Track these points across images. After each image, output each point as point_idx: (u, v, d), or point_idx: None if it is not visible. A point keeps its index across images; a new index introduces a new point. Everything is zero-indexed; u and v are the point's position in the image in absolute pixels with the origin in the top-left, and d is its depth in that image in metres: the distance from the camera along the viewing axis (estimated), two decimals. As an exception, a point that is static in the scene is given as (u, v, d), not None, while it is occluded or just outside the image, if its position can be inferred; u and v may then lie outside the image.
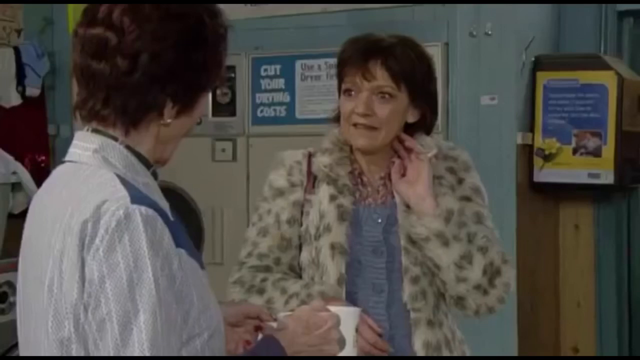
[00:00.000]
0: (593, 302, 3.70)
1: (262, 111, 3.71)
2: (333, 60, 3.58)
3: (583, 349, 3.71)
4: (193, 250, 1.39)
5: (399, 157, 1.99)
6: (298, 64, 3.65)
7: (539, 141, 3.53)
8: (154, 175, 1.44)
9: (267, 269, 1.99)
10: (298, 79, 3.65)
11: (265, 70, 3.70)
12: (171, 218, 1.37)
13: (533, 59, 3.52)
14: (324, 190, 1.98)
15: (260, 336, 1.59)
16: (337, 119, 2.05)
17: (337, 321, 1.51)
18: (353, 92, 1.98)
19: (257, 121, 3.71)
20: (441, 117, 3.47)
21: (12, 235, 3.49)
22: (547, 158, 3.53)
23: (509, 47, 3.44)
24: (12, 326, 3.16)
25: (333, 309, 1.55)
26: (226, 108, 3.72)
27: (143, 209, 1.30)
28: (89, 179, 1.36)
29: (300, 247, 1.99)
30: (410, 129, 2.00)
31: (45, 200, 1.42)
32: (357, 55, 1.97)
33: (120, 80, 1.35)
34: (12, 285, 3.15)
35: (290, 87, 3.66)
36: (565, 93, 3.47)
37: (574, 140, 3.47)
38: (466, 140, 3.47)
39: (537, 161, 3.54)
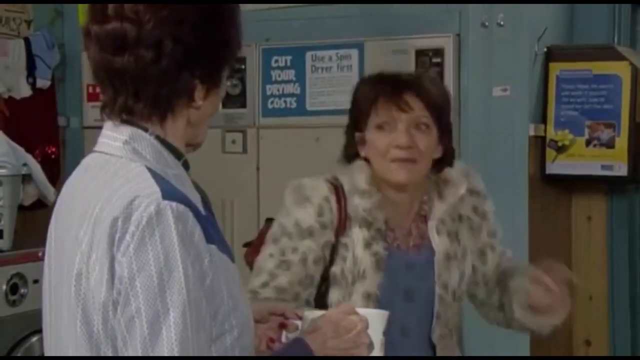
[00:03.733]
0: (605, 294, 3.67)
1: (272, 102, 3.69)
2: (344, 52, 3.65)
3: (595, 341, 3.69)
4: (224, 244, 1.37)
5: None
6: (308, 55, 3.62)
7: (551, 133, 3.50)
8: (186, 165, 1.40)
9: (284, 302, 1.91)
10: (308, 71, 3.63)
11: (276, 61, 3.68)
12: (202, 212, 1.34)
13: (545, 49, 3.49)
14: (357, 234, 1.93)
15: (284, 334, 1.58)
16: (351, 157, 2.03)
17: (366, 324, 1.49)
18: (387, 127, 1.94)
19: (267, 113, 3.69)
20: (453, 108, 3.44)
21: (23, 227, 3.48)
22: (560, 150, 3.50)
23: (521, 37, 3.41)
24: (23, 318, 3.18)
25: (362, 311, 1.54)
26: (236, 99, 3.70)
27: (174, 204, 1.28)
28: (120, 172, 1.33)
29: (325, 286, 1.94)
30: (437, 165, 2.00)
31: (73, 191, 1.40)
32: (390, 89, 1.95)
33: (147, 71, 1.33)
34: (22, 277, 3.14)
35: (300, 79, 3.64)
36: (578, 84, 3.44)
37: (587, 131, 3.44)
38: (478, 132, 3.45)
39: (550, 153, 3.51)
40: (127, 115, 1.36)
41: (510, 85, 3.42)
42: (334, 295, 1.93)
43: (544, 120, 3.52)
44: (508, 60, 3.42)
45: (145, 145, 1.35)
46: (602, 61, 3.39)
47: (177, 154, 1.38)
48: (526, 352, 3.37)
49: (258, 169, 3.68)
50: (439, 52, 3.45)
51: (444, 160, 2.00)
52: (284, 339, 1.62)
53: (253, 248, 2.41)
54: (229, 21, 1.39)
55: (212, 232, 1.33)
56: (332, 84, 3.59)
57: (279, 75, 3.67)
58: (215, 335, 1.31)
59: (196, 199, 1.37)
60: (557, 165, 3.49)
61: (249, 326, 1.38)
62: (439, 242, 1.98)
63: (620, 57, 3.38)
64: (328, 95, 3.60)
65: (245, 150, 3.70)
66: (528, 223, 3.36)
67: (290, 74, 3.65)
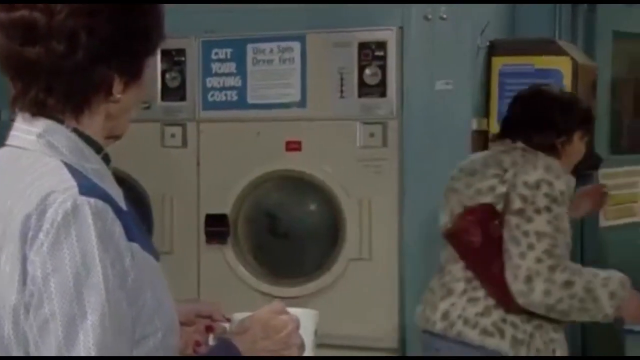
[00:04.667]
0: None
1: (212, 96, 3.61)
2: (285, 44, 3.59)
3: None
4: (147, 242, 1.30)
5: None
6: (249, 47, 3.56)
7: (494, 127, 3.49)
8: (106, 159, 1.34)
9: (566, 257, 2.50)
10: (249, 63, 3.56)
11: (216, 54, 3.60)
12: (124, 208, 1.27)
13: (488, 43, 3.48)
14: None
15: (211, 337, 1.52)
16: (546, 148, 2.62)
17: (298, 324, 1.44)
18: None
19: (207, 106, 3.61)
20: (395, 102, 3.43)
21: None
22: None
23: (464, 31, 3.39)
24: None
25: (293, 311, 1.48)
26: (175, 92, 3.62)
27: (92, 200, 1.21)
28: (33, 166, 1.26)
29: None
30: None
31: None
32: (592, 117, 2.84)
33: (60, 64, 1.26)
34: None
35: (241, 72, 3.57)
36: (520, 78, 3.43)
37: (529, 126, 3.43)
38: (421, 126, 3.42)
39: (493, 148, 3.49)
40: (39, 110, 1.29)
41: (453, 79, 3.40)
42: None
43: (486, 114, 3.51)
44: (451, 54, 3.40)
45: (61, 139, 1.28)
46: (543, 55, 3.39)
47: (97, 148, 1.32)
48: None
49: (198, 163, 3.61)
50: (381, 45, 3.41)
51: None
52: (211, 343, 1.56)
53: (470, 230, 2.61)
54: (149, 11, 1.33)
55: (134, 229, 1.26)
56: (274, 77, 3.53)
57: (220, 68, 3.60)
58: (138, 337, 1.25)
59: (117, 194, 1.30)
60: (500, 160, 3.48)
61: (173, 327, 1.32)
62: None
63: (561, 52, 3.38)
64: (269, 89, 3.54)
65: (185, 145, 3.62)
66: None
67: (231, 66, 3.58)
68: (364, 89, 3.42)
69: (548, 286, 2.40)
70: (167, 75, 3.62)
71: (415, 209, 3.42)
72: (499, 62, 3.47)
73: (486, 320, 2.50)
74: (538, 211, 2.47)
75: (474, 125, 3.43)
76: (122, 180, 3.59)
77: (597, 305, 2.42)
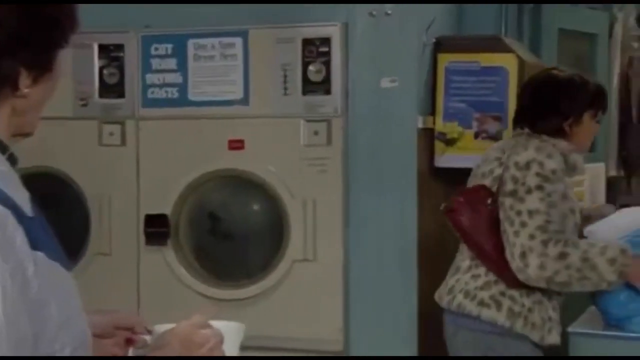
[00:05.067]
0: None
1: (152, 92, 3.50)
2: (227, 40, 3.50)
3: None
4: (55, 251, 1.20)
5: None
6: (190, 43, 3.46)
7: (440, 125, 3.45)
8: (12, 160, 1.24)
9: (563, 232, 2.55)
10: (191, 59, 3.46)
11: (156, 49, 3.49)
12: (29, 214, 1.17)
13: (434, 40, 3.43)
14: (568, 180, 2.66)
15: (131, 350, 1.43)
16: (552, 130, 2.70)
17: (221, 339, 1.35)
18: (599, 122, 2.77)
19: (147, 103, 3.50)
20: (340, 100, 3.36)
21: None
22: (449, 143, 3.45)
23: (409, 27, 3.33)
24: None
25: (216, 324, 1.40)
26: (114, 89, 3.50)
27: None
28: None
29: None
30: None
31: None
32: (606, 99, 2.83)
33: None
34: None
35: (182, 68, 3.47)
36: (466, 76, 3.39)
37: (475, 124, 3.40)
38: (366, 124, 3.36)
39: (439, 146, 3.45)
40: None
41: (398, 76, 3.34)
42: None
43: (432, 112, 3.46)
44: (396, 51, 3.34)
45: None
46: (489, 52, 3.35)
47: (1, 147, 1.22)
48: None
49: (138, 162, 3.49)
50: (326, 41, 3.34)
51: None
52: (130, 355, 1.46)
53: (459, 210, 2.75)
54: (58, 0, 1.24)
55: (41, 237, 1.17)
56: (216, 74, 3.44)
57: (160, 64, 3.49)
58: (44, 353, 1.15)
59: (23, 198, 1.20)
60: (446, 159, 3.44)
61: (85, 343, 1.22)
62: None
63: (507, 49, 3.35)
64: (211, 85, 3.45)
65: (124, 143, 3.50)
66: (417, 217, 3.30)
67: (172, 62, 3.48)
68: (308, 86, 3.34)
69: (542, 260, 2.48)
70: (105, 72, 3.50)
71: (360, 209, 3.36)
72: (444, 60, 3.43)
73: (485, 293, 2.62)
74: (529, 191, 2.56)
75: (420, 123, 3.38)
76: (59, 179, 3.53)
77: (597, 272, 2.47)
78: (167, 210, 3.43)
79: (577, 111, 2.71)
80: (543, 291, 2.59)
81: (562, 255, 2.48)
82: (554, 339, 2.58)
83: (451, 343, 2.77)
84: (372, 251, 3.36)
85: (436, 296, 2.84)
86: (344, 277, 3.36)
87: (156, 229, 3.41)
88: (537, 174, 2.55)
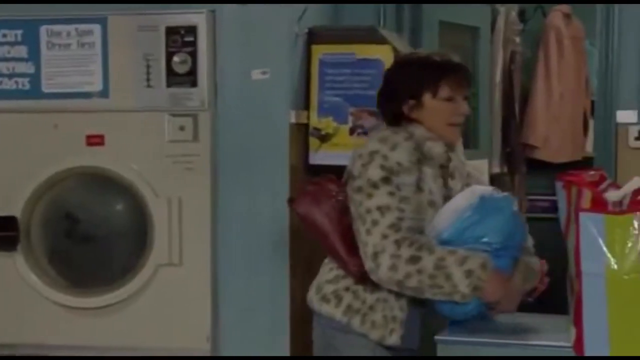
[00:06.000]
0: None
1: (1, 83, 3.23)
2: (84, 27, 3.23)
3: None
4: None
5: None
6: (43, 29, 3.20)
7: (314, 120, 3.27)
8: None
9: (419, 229, 2.37)
10: (44, 47, 3.20)
11: (4, 36, 3.22)
12: None
13: (307, 30, 3.25)
14: (427, 171, 2.42)
15: None
16: (398, 118, 2.44)
17: None
18: (453, 99, 2.44)
19: (-5, 95, 3.23)
20: (208, 93, 3.15)
21: None
22: (324, 139, 3.27)
23: (280, 16, 3.14)
24: None
25: None
26: (-43, 79, 3.21)
27: None
28: None
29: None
30: None
31: None
32: (456, 68, 2.46)
33: None
34: None
35: (34, 57, 3.21)
36: (341, 68, 3.22)
37: (350, 119, 3.23)
38: (236, 118, 3.17)
39: (313, 142, 3.28)
40: None
41: (270, 68, 3.15)
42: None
43: (307, 106, 3.29)
44: (268, 41, 3.15)
45: None
46: (364, 44, 3.19)
47: None
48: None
49: (-15, 159, 3.21)
50: (191, 30, 3.13)
51: None
52: None
53: (299, 201, 2.56)
54: None
55: None
56: (72, 63, 3.20)
57: (9, 52, 3.23)
58: None
59: None
60: (321, 155, 3.27)
61: None
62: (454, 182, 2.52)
63: (383, 41, 3.19)
64: (67, 76, 3.21)
65: (-32, 138, 3.22)
66: (289, 217, 3.11)
67: (22, 50, 3.22)
68: (173, 77, 3.14)
69: (394, 261, 2.30)
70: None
71: (230, 209, 3.17)
72: (319, 51, 3.26)
73: (330, 287, 2.47)
74: (375, 185, 2.35)
75: (293, 118, 3.20)
76: None
77: (451, 283, 2.28)
78: (16, 212, 3.17)
79: (411, 93, 2.42)
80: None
81: (414, 259, 2.29)
82: (394, 340, 2.40)
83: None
84: (242, 253, 3.18)
85: None
86: (212, 281, 3.17)
87: (4, 232, 3.14)
88: (382, 167, 2.34)
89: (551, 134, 4.87)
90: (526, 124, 4.85)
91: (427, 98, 2.42)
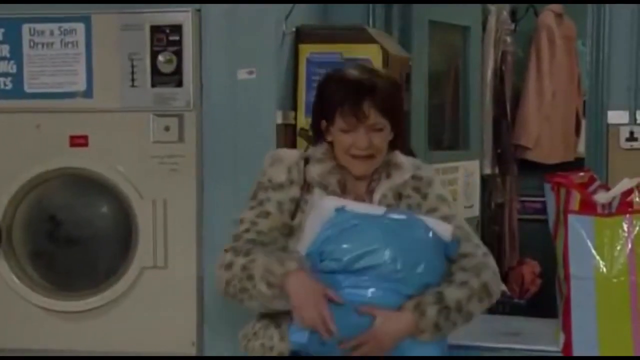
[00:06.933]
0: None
1: (-17, 83, 3.18)
2: (68, 25, 3.18)
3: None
4: None
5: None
6: (25, 28, 3.14)
7: (302, 121, 3.23)
8: None
9: (263, 244, 2.27)
10: (26, 46, 3.15)
11: (-14, 34, 3.17)
12: None
13: (294, 29, 3.21)
14: (316, 193, 2.31)
15: None
16: (319, 137, 2.37)
17: None
18: (349, 131, 2.29)
19: (-24, 95, 3.17)
20: (193, 93, 3.11)
21: None
22: (311, 139, 3.22)
23: (267, 15, 3.10)
24: None
25: None
26: (-63, 79, 3.16)
27: None
28: None
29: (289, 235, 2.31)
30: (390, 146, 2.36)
31: None
32: (350, 99, 2.27)
33: None
34: None
35: (16, 56, 3.15)
36: (328, 67, 3.16)
37: (338, 119, 3.18)
38: (221, 119, 3.12)
39: (301, 143, 3.23)
40: None
41: (257, 68, 3.10)
42: (291, 243, 2.28)
43: (294, 106, 3.24)
44: (254, 40, 3.10)
45: None
46: (352, 43, 3.14)
47: None
48: None
49: (-33, 160, 3.16)
50: (176, 28, 3.08)
51: (395, 143, 2.38)
52: None
53: None
54: None
55: None
56: (55, 63, 3.14)
57: (-10, 51, 3.18)
58: None
59: None
60: (309, 156, 3.22)
61: None
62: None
63: (371, 40, 3.15)
64: (50, 76, 3.15)
65: (-51, 139, 3.17)
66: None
67: (4, 49, 3.16)
68: (158, 77, 3.09)
69: (217, 272, 2.30)
70: None
71: (215, 211, 3.12)
72: (306, 50, 3.21)
73: None
74: (250, 199, 2.38)
75: (280, 119, 3.15)
76: None
77: (253, 283, 2.18)
78: (-3, 214, 3.12)
79: (321, 114, 2.36)
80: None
81: (229, 265, 2.21)
82: None
83: None
84: (229, 256, 3.12)
85: None
86: (198, 285, 3.11)
87: (-15, 235, 3.09)
88: (257, 182, 2.36)
89: (543, 134, 4.83)
90: (518, 125, 4.81)
91: (330, 124, 2.34)
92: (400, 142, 2.40)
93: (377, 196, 2.35)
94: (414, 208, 2.31)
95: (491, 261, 2.24)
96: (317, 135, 2.39)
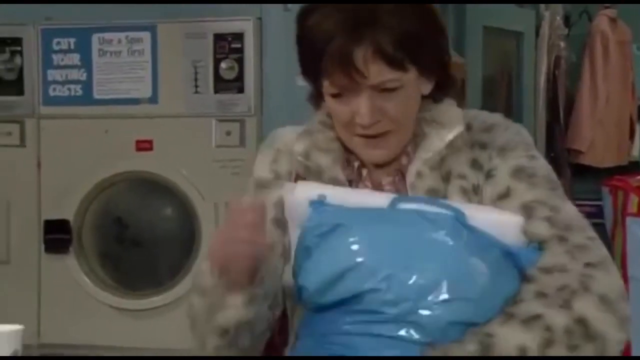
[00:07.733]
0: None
1: (54, 90, 3.30)
2: (134, 34, 3.30)
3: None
4: None
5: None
6: (95, 37, 3.26)
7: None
8: None
9: None
10: (95, 55, 3.27)
11: (58, 43, 3.29)
12: None
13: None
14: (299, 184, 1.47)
15: None
16: (318, 104, 1.57)
17: None
18: (344, 96, 1.44)
19: (48, 101, 3.29)
20: (254, 98, 3.20)
21: None
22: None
23: (326, 23, 3.18)
24: None
25: None
26: (12, 85, 3.29)
27: None
28: None
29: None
30: (424, 100, 1.48)
31: None
32: (339, 44, 1.39)
33: None
34: None
35: (86, 64, 3.27)
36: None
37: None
38: (281, 124, 3.18)
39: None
40: None
41: (315, 74, 3.18)
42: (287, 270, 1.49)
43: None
44: (312, 48, 3.18)
45: None
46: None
47: None
48: None
49: (39, 164, 3.29)
50: (238, 36, 3.18)
51: (437, 92, 1.49)
52: None
53: None
54: None
55: None
56: (123, 70, 3.25)
57: (62, 60, 3.29)
58: None
59: None
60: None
61: None
62: None
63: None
64: (118, 83, 3.26)
65: (23, 144, 3.29)
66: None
67: (75, 58, 3.28)
68: (220, 83, 3.18)
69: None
70: (2, 67, 3.28)
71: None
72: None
73: None
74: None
75: (338, 124, 3.23)
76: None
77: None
78: (69, 215, 3.23)
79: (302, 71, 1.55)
80: None
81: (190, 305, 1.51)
82: None
83: None
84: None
85: None
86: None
87: (56, 235, 3.22)
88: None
89: (596, 138, 4.85)
90: (571, 129, 4.84)
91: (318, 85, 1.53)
92: (444, 88, 1.52)
93: (410, 177, 1.47)
94: (469, 195, 1.44)
95: (601, 277, 1.35)
96: (317, 100, 1.60)
